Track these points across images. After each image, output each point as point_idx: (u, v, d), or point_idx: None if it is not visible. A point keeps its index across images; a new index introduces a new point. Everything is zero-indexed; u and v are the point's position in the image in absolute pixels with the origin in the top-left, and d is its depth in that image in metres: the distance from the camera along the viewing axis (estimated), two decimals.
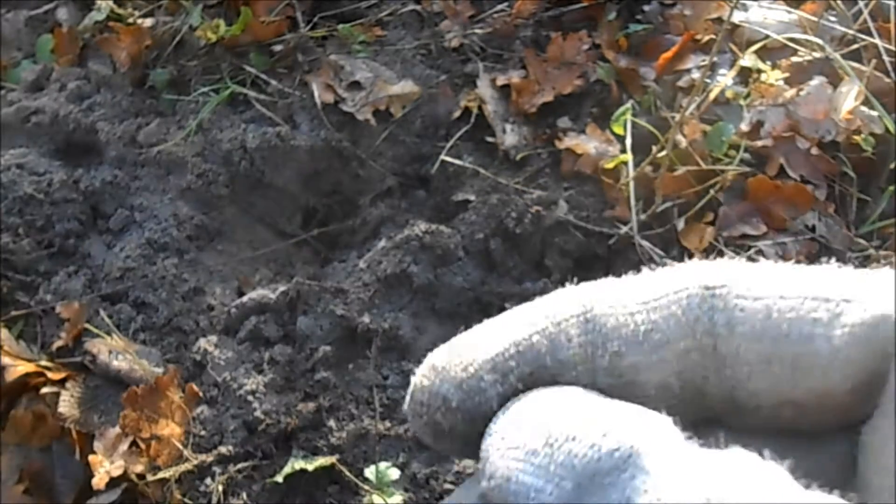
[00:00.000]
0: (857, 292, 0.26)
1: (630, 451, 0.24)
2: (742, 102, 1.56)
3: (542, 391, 0.28)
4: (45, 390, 1.35)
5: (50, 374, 1.37)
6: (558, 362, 0.28)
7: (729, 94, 1.57)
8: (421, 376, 0.30)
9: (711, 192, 1.46)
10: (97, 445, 1.30)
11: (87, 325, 1.42)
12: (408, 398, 0.30)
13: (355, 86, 1.68)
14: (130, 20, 1.79)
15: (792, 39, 1.60)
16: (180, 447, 1.28)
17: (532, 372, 0.29)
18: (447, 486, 1.27)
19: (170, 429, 1.29)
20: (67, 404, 1.33)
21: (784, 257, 1.41)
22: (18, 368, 1.35)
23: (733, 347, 0.27)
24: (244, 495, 1.27)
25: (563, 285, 0.33)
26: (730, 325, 0.27)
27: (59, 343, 1.41)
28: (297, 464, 1.26)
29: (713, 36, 1.62)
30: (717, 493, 0.22)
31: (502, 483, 0.25)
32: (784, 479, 0.23)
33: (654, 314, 0.28)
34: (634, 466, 0.23)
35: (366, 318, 1.39)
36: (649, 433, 0.24)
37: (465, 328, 0.33)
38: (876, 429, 0.27)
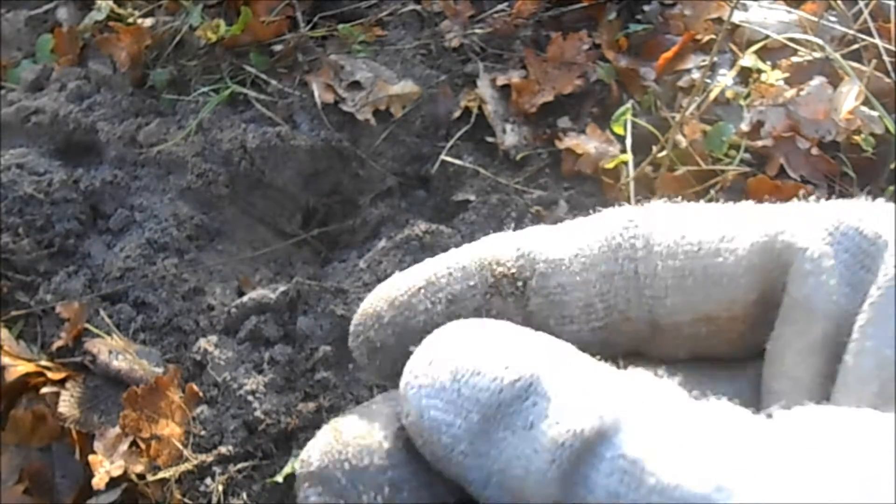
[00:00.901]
0: (762, 217, 0.29)
1: (530, 380, 0.25)
2: (742, 102, 1.56)
3: (454, 325, 0.29)
4: (45, 390, 1.35)
5: (50, 374, 1.37)
6: (487, 283, 0.31)
7: (729, 94, 1.57)
8: (364, 301, 0.33)
9: (711, 192, 1.46)
10: (97, 445, 1.30)
11: (87, 325, 1.42)
12: (352, 323, 0.33)
13: (355, 86, 1.68)
14: (130, 20, 1.79)
15: (792, 39, 1.60)
16: (180, 447, 1.28)
17: (461, 290, 0.31)
18: None
19: (170, 429, 1.29)
20: (67, 404, 1.33)
21: None
22: (18, 368, 1.35)
23: (651, 266, 0.30)
24: (244, 495, 1.27)
25: None
26: (648, 246, 0.30)
27: (59, 343, 1.41)
28: (297, 464, 1.26)
29: (713, 36, 1.62)
30: (610, 411, 0.23)
31: (416, 420, 0.27)
32: (676, 392, 0.25)
33: (580, 241, 0.32)
34: (535, 394, 0.25)
35: None
36: (550, 361, 0.26)
37: None
38: (777, 337, 0.29)
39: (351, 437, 0.31)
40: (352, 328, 0.33)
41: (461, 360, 0.27)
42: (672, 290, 0.29)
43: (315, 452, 0.32)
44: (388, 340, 0.32)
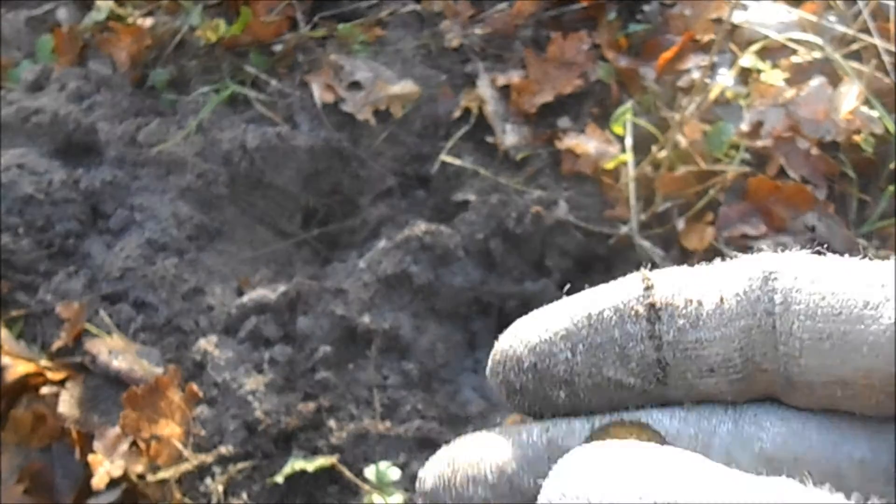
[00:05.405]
0: None
1: None
2: (742, 102, 1.56)
3: (590, 450, 0.29)
4: (45, 390, 1.35)
5: (50, 374, 1.37)
6: (627, 334, 0.31)
7: (729, 94, 1.57)
8: (503, 340, 0.34)
9: (711, 192, 1.46)
10: (97, 445, 1.30)
11: (87, 325, 1.42)
12: (490, 360, 0.34)
13: (355, 86, 1.68)
14: (130, 20, 1.79)
15: (792, 39, 1.60)
16: (180, 447, 1.28)
17: (601, 343, 0.31)
18: None
19: (170, 429, 1.29)
20: (67, 404, 1.33)
21: None
22: (18, 368, 1.35)
23: (788, 324, 0.29)
24: (244, 495, 1.27)
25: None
26: (786, 303, 0.29)
27: (59, 343, 1.41)
28: (297, 464, 1.26)
29: (713, 36, 1.62)
30: None
31: None
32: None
33: (718, 293, 0.31)
34: None
35: (366, 318, 1.39)
36: (697, 498, 0.25)
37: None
38: None
39: (463, 463, 0.33)
40: (491, 365, 0.34)
41: (597, 498, 0.26)
42: (807, 351, 0.29)
43: (429, 474, 0.34)
44: (528, 385, 0.33)
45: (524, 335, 0.33)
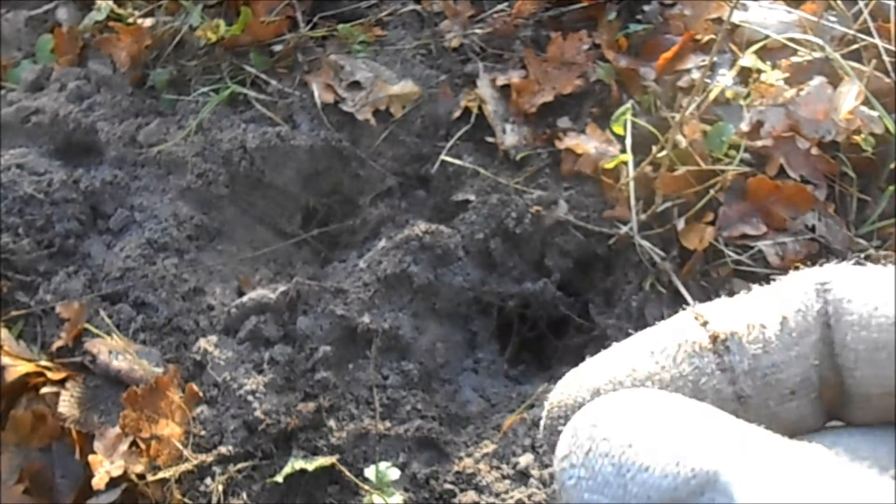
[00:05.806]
0: None
1: (707, 475, 0.23)
2: (742, 102, 1.56)
3: (611, 399, 0.27)
4: (45, 390, 1.35)
5: (50, 374, 1.37)
6: (697, 368, 0.29)
7: (729, 94, 1.57)
8: (555, 393, 0.31)
9: (711, 192, 1.45)
10: (97, 445, 1.30)
11: (87, 325, 1.42)
12: (542, 421, 0.31)
13: (355, 86, 1.68)
14: (130, 20, 1.79)
15: (792, 39, 1.60)
16: (180, 447, 1.28)
17: (671, 378, 0.29)
18: (447, 486, 1.27)
19: (170, 429, 1.29)
20: (67, 404, 1.33)
21: (784, 257, 1.41)
22: (18, 368, 1.35)
23: (841, 335, 0.28)
24: (244, 495, 1.27)
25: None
26: (837, 314, 0.29)
27: (59, 343, 1.41)
28: (297, 464, 1.26)
29: (713, 36, 1.62)
30: None
31: None
32: (867, 475, 0.23)
33: (779, 315, 0.29)
34: (713, 490, 0.23)
35: (366, 318, 1.39)
36: (729, 450, 0.24)
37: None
38: None
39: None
40: (547, 422, 0.31)
41: (625, 451, 0.24)
42: (863, 362, 0.28)
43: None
44: None
45: (583, 382, 0.30)
